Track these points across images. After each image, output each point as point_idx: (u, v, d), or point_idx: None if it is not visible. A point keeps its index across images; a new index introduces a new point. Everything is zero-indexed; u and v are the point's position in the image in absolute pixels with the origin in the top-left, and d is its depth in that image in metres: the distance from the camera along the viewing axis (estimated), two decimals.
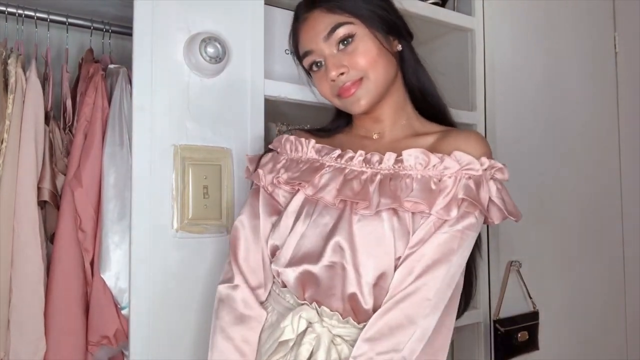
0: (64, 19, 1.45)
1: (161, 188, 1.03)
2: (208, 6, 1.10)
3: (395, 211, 0.82)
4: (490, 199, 0.84)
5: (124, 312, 1.31)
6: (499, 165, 0.86)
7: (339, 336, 0.83)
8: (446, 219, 0.81)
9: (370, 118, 0.96)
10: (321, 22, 0.90)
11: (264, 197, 0.96)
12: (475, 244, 0.86)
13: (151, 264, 1.02)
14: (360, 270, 0.81)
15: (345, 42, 0.90)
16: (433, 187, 0.82)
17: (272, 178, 0.93)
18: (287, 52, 1.22)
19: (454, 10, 1.52)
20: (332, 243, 0.83)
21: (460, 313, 0.95)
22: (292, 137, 0.97)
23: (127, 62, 1.28)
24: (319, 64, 0.93)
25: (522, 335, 1.54)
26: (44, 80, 1.39)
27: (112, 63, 1.49)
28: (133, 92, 1.03)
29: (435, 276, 0.79)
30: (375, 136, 0.97)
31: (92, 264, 1.34)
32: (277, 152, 0.98)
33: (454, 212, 0.80)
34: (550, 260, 1.70)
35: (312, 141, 0.95)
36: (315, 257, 0.84)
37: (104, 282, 1.31)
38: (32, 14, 1.40)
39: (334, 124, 1.05)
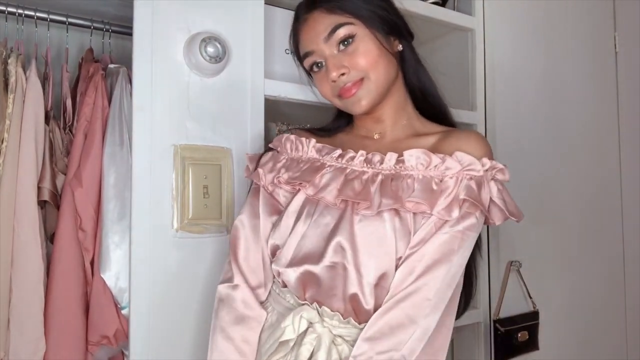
0: (64, 19, 1.45)
1: (161, 188, 1.03)
2: (208, 6, 1.10)
3: (396, 211, 0.82)
4: (491, 200, 0.84)
5: (124, 312, 1.31)
6: (500, 166, 0.86)
7: (340, 336, 0.83)
8: (447, 220, 0.81)
9: (371, 118, 0.96)
10: (321, 22, 0.90)
11: (264, 197, 0.96)
12: (475, 244, 0.87)
13: (151, 264, 1.01)
14: (361, 271, 0.81)
15: (346, 42, 0.90)
16: (434, 187, 0.82)
17: (273, 177, 0.93)
18: (287, 52, 1.22)
19: (454, 10, 1.52)
20: (333, 243, 0.83)
21: (460, 313, 0.95)
22: (292, 137, 0.97)
23: (127, 62, 1.28)
24: (319, 65, 0.93)
25: (522, 335, 1.54)
26: (44, 80, 1.39)
27: (112, 63, 1.48)
28: (133, 92, 1.03)
29: (436, 276, 0.80)
30: (376, 136, 0.97)
31: (92, 263, 1.34)
32: (277, 152, 0.98)
33: (456, 213, 0.80)
34: (550, 260, 1.70)
35: (313, 141, 0.95)
36: (316, 257, 0.84)
37: (104, 282, 1.31)
38: (32, 13, 1.40)
39: (335, 124, 1.05)
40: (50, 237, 1.37)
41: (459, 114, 1.13)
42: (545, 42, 1.73)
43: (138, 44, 1.03)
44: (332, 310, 0.84)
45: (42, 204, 1.34)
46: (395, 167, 0.86)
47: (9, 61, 1.31)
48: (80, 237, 1.33)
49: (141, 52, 1.03)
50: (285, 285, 0.90)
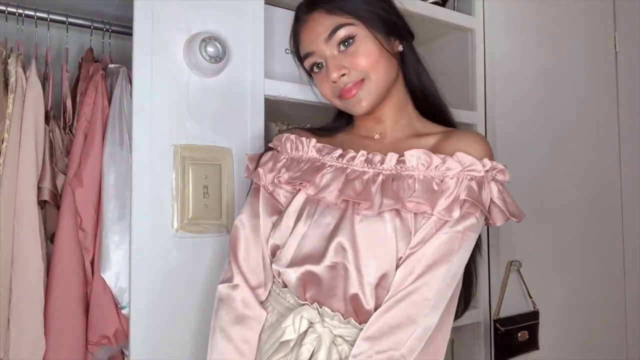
0: (64, 19, 1.45)
1: (161, 188, 1.03)
2: (208, 6, 1.10)
3: (397, 212, 0.82)
4: (491, 200, 0.84)
5: (124, 311, 1.31)
6: (501, 166, 0.86)
7: (340, 336, 0.83)
8: (447, 220, 0.81)
9: (371, 118, 0.96)
10: (322, 23, 0.90)
11: (264, 197, 0.96)
12: (475, 244, 0.87)
13: (151, 264, 1.02)
14: (362, 271, 0.81)
15: (346, 43, 0.90)
16: (435, 187, 0.82)
17: (273, 177, 0.93)
18: (287, 51, 1.22)
19: (454, 10, 1.52)
20: (334, 243, 0.83)
21: (460, 313, 0.96)
22: (292, 136, 0.97)
23: (127, 62, 1.28)
24: (319, 65, 0.93)
25: (522, 335, 1.54)
26: (44, 80, 1.39)
27: (112, 63, 1.49)
28: (133, 92, 1.03)
29: (436, 276, 0.80)
30: (376, 136, 0.97)
31: (92, 263, 1.34)
32: (277, 151, 0.98)
33: (456, 213, 0.80)
34: (550, 259, 1.70)
35: (313, 140, 0.95)
36: (317, 257, 0.84)
37: (104, 282, 1.31)
38: (32, 13, 1.40)
39: (335, 124, 1.05)
40: (50, 237, 1.37)
41: (459, 114, 1.13)
42: (545, 42, 1.73)
43: (138, 44, 1.03)
44: (332, 311, 0.84)
45: (42, 204, 1.34)
46: (396, 168, 0.86)
47: (9, 61, 1.31)
48: (80, 237, 1.33)
49: (141, 52, 1.03)
50: (285, 285, 0.90)
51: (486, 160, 0.84)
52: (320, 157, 0.92)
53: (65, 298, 1.30)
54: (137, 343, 1.00)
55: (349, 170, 0.88)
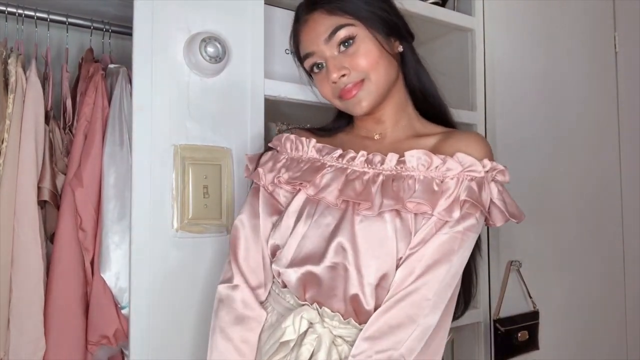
0: (64, 19, 1.45)
1: (161, 188, 1.03)
2: (208, 6, 1.10)
3: (397, 212, 0.82)
4: (491, 201, 0.84)
5: (124, 311, 1.31)
6: (501, 167, 0.86)
7: (340, 337, 0.83)
8: (447, 220, 0.81)
9: (371, 119, 0.96)
10: (322, 24, 0.90)
11: (264, 197, 0.96)
12: (475, 244, 0.87)
13: (151, 264, 1.02)
14: (362, 271, 0.81)
15: (346, 43, 0.90)
16: (435, 188, 0.82)
17: (273, 177, 0.93)
18: (287, 52, 1.22)
19: (454, 10, 1.52)
20: (334, 244, 0.83)
21: (460, 313, 0.96)
22: (292, 136, 0.97)
23: (127, 62, 1.28)
24: (320, 66, 0.93)
25: (522, 335, 1.54)
26: (44, 80, 1.39)
27: (112, 63, 1.49)
28: (133, 92, 1.03)
29: (436, 276, 0.80)
30: (376, 137, 0.97)
31: (92, 263, 1.34)
32: (277, 151, 0.98)
33: (456, 214, 0.80)
34: (550, 259, 1.70)
35: (313, 140, 0.95)
36: (317, 258, 0.84)
37: (104, 282, 1.31)
38: (32, 13, 1.40)
39: (335, 124, 1.05)
40: (50, 237, 1.37)
41: (459, 114, 1.13)
42: (545, 42, 1.73)
43: (138, 44, 1.03)
44: (332, 311, 0.84)
45: (42, 204, 1.34)
46: (396, 168, 0.86)
47: (9, 61, 1.31)
48: (80, 237, 1.33)
49: (141, 52, 1.03)
50: (285, 286, 0.90)
51: (486, 161, 0.84)
52: (320, 157, 0.92)
53: (65, 298, 1.30)
54: (137, 343, 1.00)
55: (349, 171, 0.88)
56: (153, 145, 1.03)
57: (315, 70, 0.94)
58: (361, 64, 0.88)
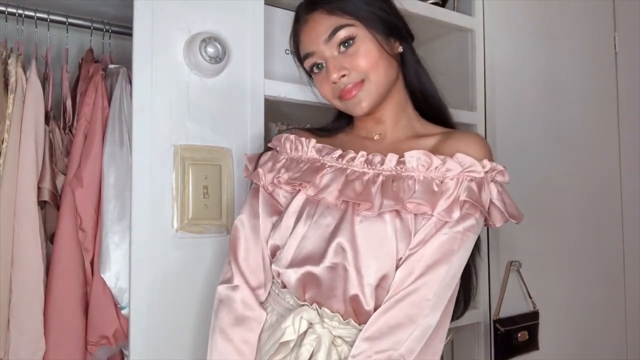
0: (64, 19, 1.45)
1: (161, 188, 1.03)
2: (208, 6, 1.10)
3: (397, 212, 0.82)
4: (491, 201, 0.84)
5: (123, 312, 1.31)
6: (500, 167, 0.86)
7: (340, 337, 0.83)
8: (447, 221, 0.81)
9: (371, 119, 0.96)
10: (322, 24, 0.90)
11: (264, 197, 0.96)
12: (475, 244, 0.87)
13: (151, 264, 1.02)
14: (362, 272, 0.81)
15: (346, 44, 0.90)
16: (435, 188, 0.82)
17: (273, 177, 0.93)
18: (287, 52, 1.22)
19: (454, 10, 1.52)
20: (334, 244, 0.83)
21: (460, 313, 0.96)
22: (292, 136, 0.97)
23: (127, 62, 1.28)
24: (319, 66, 0.93)
25: (522, 335, 1.54)
26: (44, 80, 1.39)
27: (112, 63, 1.48)
28: (133, 92, 1.03)
29: (436, 276, 0.80)
30: (376, 137, 0.97)
31: (92, 263, 1.34)
32: (277, 151, 0.98)
33: (456, 214, 0.80)
34: (550, 260, 1.70)
35: (313, 141, 0.95)
36: (317, 258, 0.84)
37: (104, 282, 1.31)
38: (32, 14, 1.40)
39: (335, 124, 1.05)
40: (50, 237, 1.37)
41: (458, 115, 1.13)
42: (545, 42, 1.73)
43: (138, 44, 1.03)
44: (332, 311, 0.84)
45: (42, 204, 1.34)
46: (396, 168, 0.86)
47: (9, 61, 1.31)
48: (80, 237, 1.33)
49: (141, 52, 1.03)
50: (284, 286, 0.90)
51: (486, 162, 0.84)
52: (320, 158, 0.92)
53: (65, 298, 1.30)
54: (137, 343, 1.00)
55: (348, 171, 0.88)
56: (153, 145, 1.03)
57: (315, 70, 0.94)
58: (361, 64, 0.88)
